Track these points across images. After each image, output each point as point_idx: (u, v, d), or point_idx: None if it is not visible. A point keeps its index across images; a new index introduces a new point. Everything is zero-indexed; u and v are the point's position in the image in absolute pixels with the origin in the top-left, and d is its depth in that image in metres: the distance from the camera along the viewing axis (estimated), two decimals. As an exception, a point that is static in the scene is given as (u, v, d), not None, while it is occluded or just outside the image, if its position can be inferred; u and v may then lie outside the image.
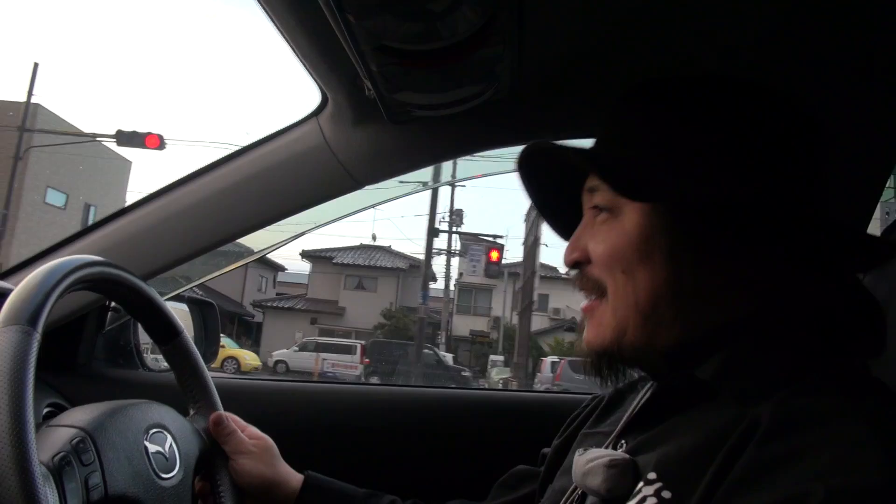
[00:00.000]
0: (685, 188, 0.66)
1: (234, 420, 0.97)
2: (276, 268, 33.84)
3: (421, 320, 20.19)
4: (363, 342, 24.27)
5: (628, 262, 0.68)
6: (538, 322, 25.61)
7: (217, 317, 1.50)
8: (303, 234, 1.35)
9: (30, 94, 19.59)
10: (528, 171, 0.80)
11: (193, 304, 1.46)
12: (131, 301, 0.89)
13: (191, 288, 1.41)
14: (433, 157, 1.14)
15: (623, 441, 0.69)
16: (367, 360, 21.51)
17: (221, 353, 21.59)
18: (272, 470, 0.95)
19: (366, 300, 29.02)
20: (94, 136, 18.40)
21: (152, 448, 0.78)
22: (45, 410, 1.05)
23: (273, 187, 1.12)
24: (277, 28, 0.86)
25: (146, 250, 1.14)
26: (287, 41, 0.89)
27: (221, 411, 0.96)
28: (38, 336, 0.64)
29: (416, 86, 0.89)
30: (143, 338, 1.42)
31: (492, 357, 24.53)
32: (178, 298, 1.40)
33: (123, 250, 1.13)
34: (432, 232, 20.26)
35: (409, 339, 24.65)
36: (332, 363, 21.42)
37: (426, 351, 22.31)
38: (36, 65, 24.52)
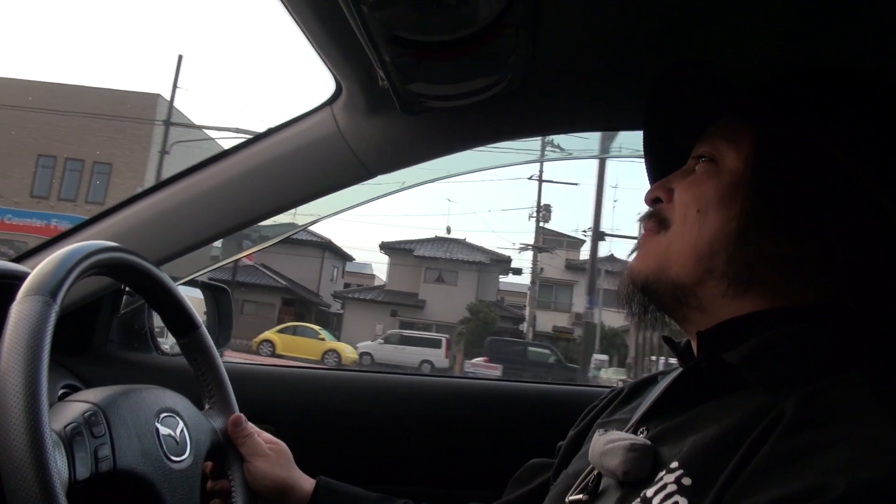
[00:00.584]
0: (800, 132, 0.66)
1: (250, 425, 0.98)
2: (345, 258, 33.65)
3: (587, 325, 19.29)
4: (447, 336, 24.14)
5: (706, 203, 0.68)
6: (614, 319, 25.06)
7: (230, 302, 1.52)
8: (315, 221, 1.36)
9: (174, 87, 20.18)
10: (654, 108, 0.82)
11: (207, 289, 1.47)
12: (149, 290, 0.90)
13: (208, 272, 1.41)
14: (446, 147, 1.14)
15: (644, 427, 0.69)
16: (486, 357, 20.94)
17: (322, 346, 21.62)
18: (287, 473, 0.96)
19: (446, 293, 28.75)
20: (238, 130, 18.54)
21: (163, 430, 0.80)
22: (61, 392, 1.07)
23: (286, 175, 1.13)
24: (292, 16, 0.86)
25: (160, 236, 1.15)
26: (302, 30, 0.89)
27: (237, 412, 0.97)
28: (56, 308, 0.65)
29: (429, 77, 0.89)
30: (157, 321, 1.44)
31: (595, 356, 23.36)
32: (191, 283, 1.41)
33: (138, 235, 1.14)
34: (597, 235, 19.05)
35: (495, 334, 24.36)
36: (472, 363, 21.08)
37: (544, 350, 21.99)
38: (180, 57, 24.69)
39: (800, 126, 0.66)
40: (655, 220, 0.73)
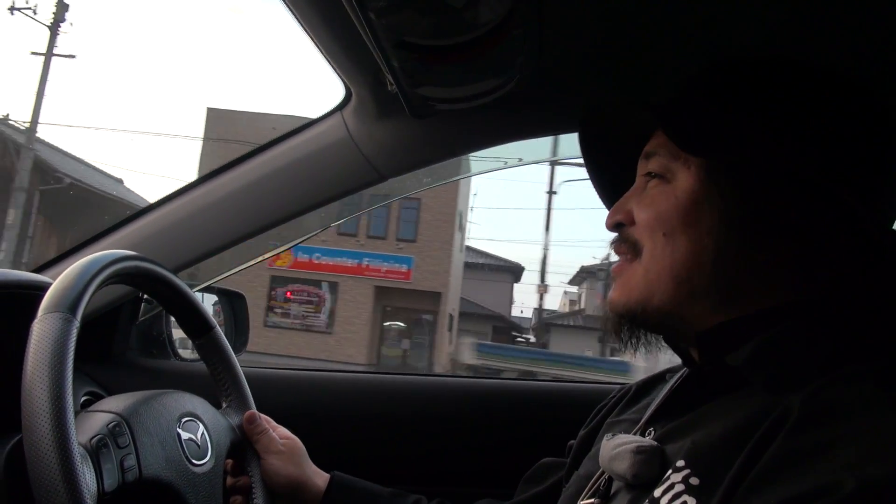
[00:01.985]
0: (747, 150, 0.65)
1: (266, 420, 0.99)
2: (517, 280, 32.94)
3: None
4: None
5: (672, 226, 0.67)
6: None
7: (247, 307, 1.53)
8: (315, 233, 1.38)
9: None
10: (587, 134, 0.80)
11: (223, 294, 1.48)
12: (165, 295, 0.92)
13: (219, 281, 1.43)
14: (456, 149, 1.14)
15: (651, 429, 0.69)
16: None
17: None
18: (300, 469, 0.98)
19: (652, 316, 27.72)
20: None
21: (185, 435, 0.81)
22: (83, 399, 1.09)
23: (299, 181, 1.14)
24: (301, 24, 0.87)
25: (176, 244, 1.17)
26: (310, 37, 0.90)
27: (254, 409, 0.99)
28: (77, 323, 0.67)
29: (437, 80, 0.90)
30: (175, 328, 1.46)
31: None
32: (208, 289, 1.43)
33: (154, 244, 1.16)
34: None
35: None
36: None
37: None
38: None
39: (744, 149, 0.66)
40: (627, 246, 0.72)
